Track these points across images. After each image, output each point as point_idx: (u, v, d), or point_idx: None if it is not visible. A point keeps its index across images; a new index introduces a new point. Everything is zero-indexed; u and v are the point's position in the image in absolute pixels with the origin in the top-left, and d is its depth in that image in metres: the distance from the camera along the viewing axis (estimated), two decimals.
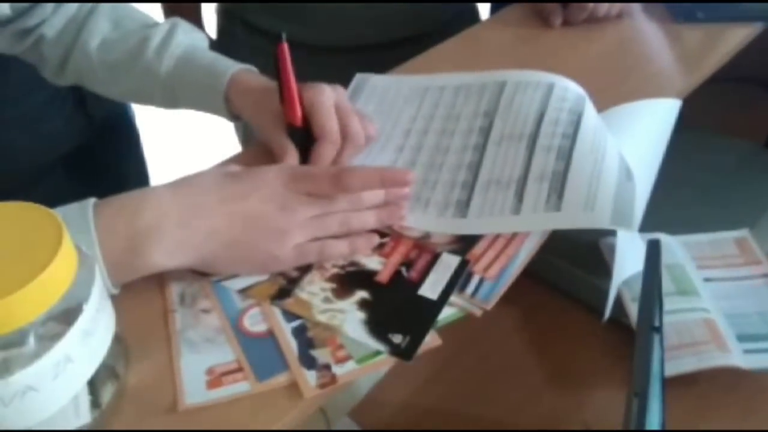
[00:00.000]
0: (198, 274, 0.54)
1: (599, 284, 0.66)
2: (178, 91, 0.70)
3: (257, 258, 0.54)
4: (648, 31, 0.89)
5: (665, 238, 0.74)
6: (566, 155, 0.60)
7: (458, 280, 0.54)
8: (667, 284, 0.69)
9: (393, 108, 0.72)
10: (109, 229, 0.48)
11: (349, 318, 0.51)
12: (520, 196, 0.58)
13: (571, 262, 0.72)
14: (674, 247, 0.74)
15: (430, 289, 0.54)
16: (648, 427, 0.41)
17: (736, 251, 0.75)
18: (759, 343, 0.65)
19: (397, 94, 0.74)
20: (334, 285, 0.54)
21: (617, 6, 0.88)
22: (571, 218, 0.55)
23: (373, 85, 0.75)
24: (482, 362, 0.68)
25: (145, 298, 0.53)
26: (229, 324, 0.51)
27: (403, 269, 0.56)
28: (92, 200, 0.50)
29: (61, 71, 0.75)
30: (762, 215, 0.81)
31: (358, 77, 0.77)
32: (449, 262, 0.56)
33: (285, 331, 0.50)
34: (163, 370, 0.48)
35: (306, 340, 0.49)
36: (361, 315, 0.52)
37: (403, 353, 0.49)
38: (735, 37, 0.86)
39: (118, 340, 0.44)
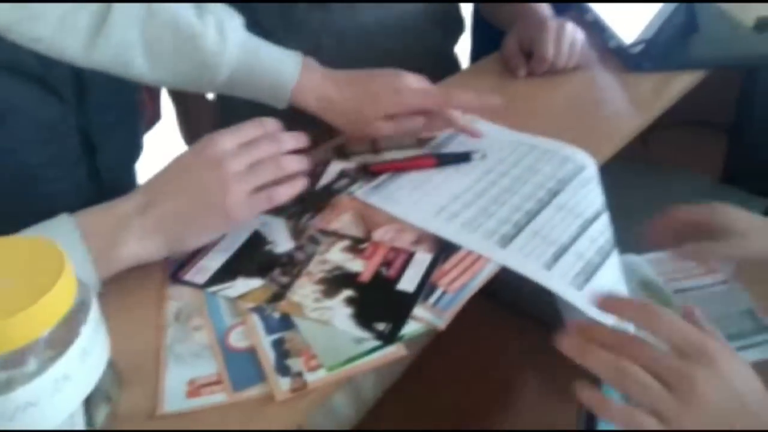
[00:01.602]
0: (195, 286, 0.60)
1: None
2: (240, 83, 0.73)
3: (213, 220, 0.60)
4: (603, 79, 0.96)
5: (635, 258, 0.78)
6: (605, 254, 0.64)
7: (432, 272, 0.60)
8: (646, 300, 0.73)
9: (492, 145, 0.78)
10: (88, 229, 0.55)
11: (337, 314, 0.56)
12: (556, 258, 0.62)
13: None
14: (644, 265, 0.79)
15: (407, 284, 0.59)
16: None
17: (694, 263, 0.80)
18: (747, 339, 0.70)
19: (493, 138, 0.80)
20: (322, 287, 0.59)
21: (574, 59, 0.95)
22: (586, 306, 0.58)
23: (479, 125, 0.82)
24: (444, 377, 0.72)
25: (143, 315, 0.57)
26: (216, 340, 0.54)
27: (383, 269, 0.61)
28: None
29: (96, 36, 0.66)
30: None
31: (468, 117, 0.83)
32: (423, 260, 0.62)
33: (264, 343, 0.54)
34: (149, 381, 0.51)
35: (283, 352, 0.53)
36: (348, 310, 0.56)
37: (387, 338, 0.53)
38: (680, 83, 0.93)
39: (111, 365, 0.47)
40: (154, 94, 1.20)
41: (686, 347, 0.45)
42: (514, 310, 0.79)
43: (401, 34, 1.03)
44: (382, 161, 0.76)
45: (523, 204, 0.69)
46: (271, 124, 0.65)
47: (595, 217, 0.67)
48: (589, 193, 0.70)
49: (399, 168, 0.75)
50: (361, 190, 0.72)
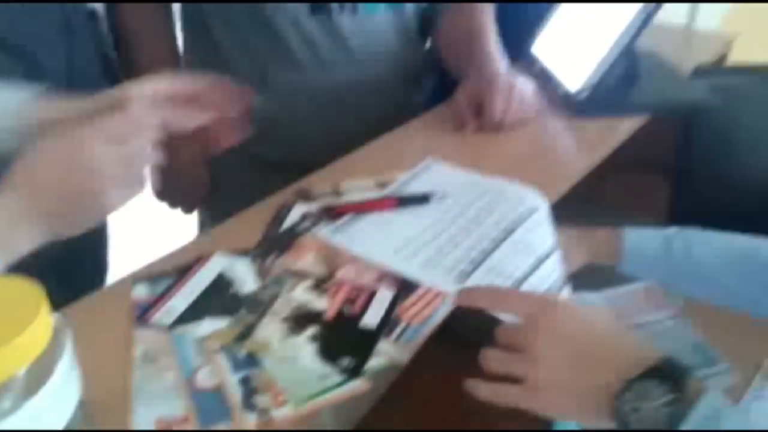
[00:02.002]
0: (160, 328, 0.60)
1: None
2: None
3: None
4: (551, 124, 1.01)
5: (590, 295, 0.82)
6: (558, 289, 0.68)
7: (394, 308, 0.63)
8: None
9: (450, 187, 0.81)
10: None
11: (302, 350, 0.58)
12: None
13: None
14: (598, 302, 0.83)
15: (370, 320, 0.62)
16: None
17: (644, 299, 0.84)
18: (698, 371, 0.73)
19: (451, 181, 0.83)
20: (287, 325, 0.61)
21: (523, 115, 0.97)
22: None
23: (437, 168, 0.85)
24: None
25: (112, 356, 0.58)
26: (184, 379, 0.56)
27: (346, 306, 0.63)
28: None
29: None
30: None
31: (428, 160, 0.86)
32: (385, 297, 0.64)
33: (232, 381, 0.55)
34: (118, 421, 0.52)
35: (250, 389, 0.55)
36: (312, 347, 0.59)
37: (351, 372, 0.56)
38: (623, 128, 0.99)
39: (82, 405, 0.48)
40: None
41: (528, 310, 0.49)
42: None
43: (373, 93, 1.06)
44: (346, 203, 0.79)
45: (479, 243, 0.72)
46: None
47: (548, 255, 0.71)
48: (542, 232, 0.74)
49: (361, 209, 0.78)
50: (325, 230, 0.75)
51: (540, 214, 0.77)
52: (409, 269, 0.68)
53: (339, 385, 0.55)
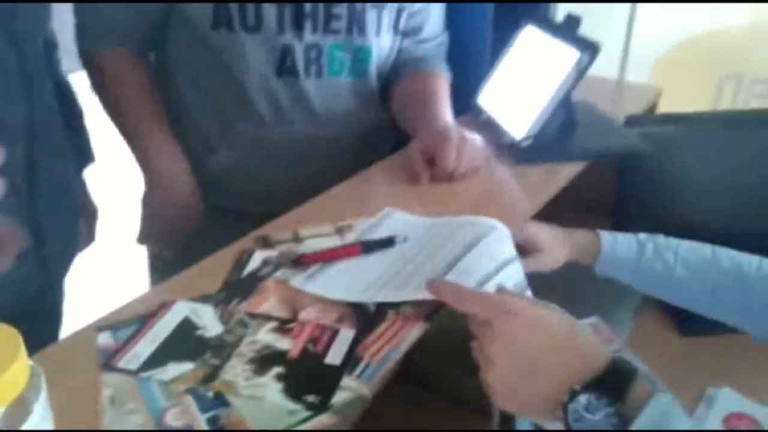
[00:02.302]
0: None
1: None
2: None
3: None
4: (498, 171, 1.07)
5: None
6: (521, 290, 0.72)
7: (356, 346, 0.65)
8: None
9: (411, 230, 0.84)
10: None
11: (269, 389, 0.60)
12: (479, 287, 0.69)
13: (459, 370, 0.82)
14: None
15: (333, 358, 0.64)
16: None
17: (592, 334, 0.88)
18: None
19: (410, 225, 0.86)
20: (252, 366, 0.63)
21: (474, 166, 1.02)
22: None
23: (396, 216, 0.89)
24: None
25: (81, 401, 0.58)
26: (153, 422, 0.56)
27: (310, 346, 0.65)
28: None
29: None
30: (604, 306, 0.98)
31: (386, 210, 0.90)
32: (346, 336, 0.67)
33: (200, 421, 0.56)
34: None
35: (219, 427, 0.56)
36: (279, 385, 0.60)
37: (317, 408, 0.58)
38: (565, 172, 1.06)
39: None
40: (90, 216, 1.23)
41: (485, 314, 0.53)
42: (456, 402, 0.84)
43: (333, 151, 1.11)
44: (313, 252, 0.81)
45: (443, 260, 0.75)
46: None
47: (510, 260, 0.75)
48: (504, 243, 0.78)
49: (328, 258, 0.80)
50: (297, 280, 0.76)
51: (501, 231, 0.80)
52: (382, 295, 0.71)
53: (306, 419, 0.56)
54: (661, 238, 0.85)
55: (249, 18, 0.95)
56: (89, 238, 1.25)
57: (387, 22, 1.08)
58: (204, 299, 0.73)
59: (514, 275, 0.73)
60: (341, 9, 1.01)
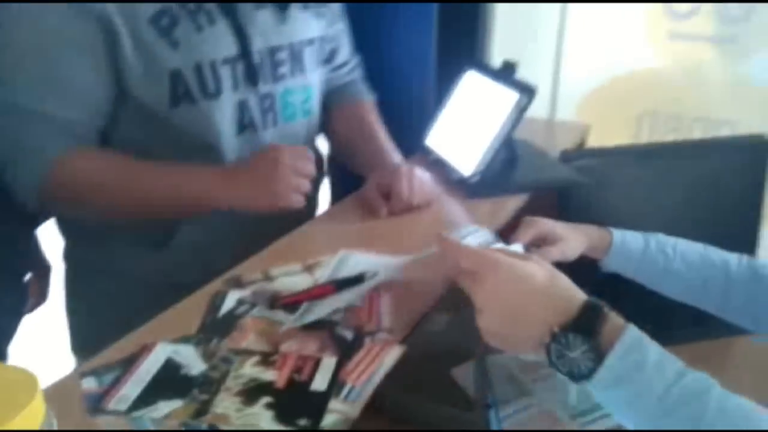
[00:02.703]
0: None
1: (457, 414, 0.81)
2: None
3: None
4: (449, 206, 1.13)
5: (501, 357, 0.91)
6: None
7: (339, 372, 0.69)
8: (508, 391, 0.86)
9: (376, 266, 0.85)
10: None
11: (261, 417, 0.62)
12: None
13: (430, 399, 0.86)
14: (508, 362, 0.91)
15: (319, 384, 0.67)
16: None
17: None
18: (595, 412, 0.84)
19: (378, 260, 0.87)
20: (241, 398, 0.65)
21: (426, 196, 1.09)
22: None
23: (356, 258, 0.90)
24: None
25: None
26: None
27: (295, 375, 0.69)
28: None
29: None
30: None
31: (342, 253, 0.90)
32: (329, 363, 0.71)
33: None
34: None
35: None
36: (270, 413, 0.63)
37: (309, 429, 0.61)
38: (510, 204, 1.13)
39: None
40: (42, 274, 1.22)
41: (474, 267, 0.60)
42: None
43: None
44: (288, 291, 0.84)
45: None
46: None
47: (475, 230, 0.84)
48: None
49: (304, 298, 0.83)
50: (291, 320, 0.79)
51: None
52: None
53: None
54: (660, 235, 0.95)
55: (209, 86, 0.96)
56: (41, 297, 1.24)
57: (317, 56, 1.13)
58: (184, 340, 0.75)
59: (481, 236, 0.81)
60: (284, 54, 1.06)
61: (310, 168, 0.97)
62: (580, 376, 0.55)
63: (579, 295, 0.58)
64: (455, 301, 0.87)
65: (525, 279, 0.58)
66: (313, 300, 0.81)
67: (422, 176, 1.10)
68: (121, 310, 0.82)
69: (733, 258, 0.91)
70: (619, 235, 0.95)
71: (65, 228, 1.15)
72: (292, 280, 0.88)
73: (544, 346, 0.56)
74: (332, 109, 1.22)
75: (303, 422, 0.62)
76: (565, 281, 0.59)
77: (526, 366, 0.93)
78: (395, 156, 1.18)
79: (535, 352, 0.57)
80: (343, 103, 1.23)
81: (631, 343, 0.54)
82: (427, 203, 1.10)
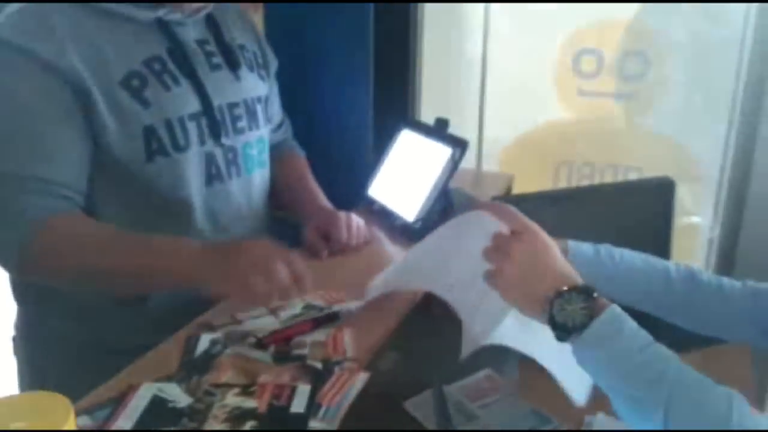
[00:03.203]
0: None
1: None
2: None
3: None
4: (394, 250, 1.25)
5: (448, 387, 1.01)
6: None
7: (315, 396, 0.78)
8: (456, 417, 0.95)
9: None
10: None
11: None
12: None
13: None
14: (453, 392, 1.01)
15: (297, 408, 0.77)
16: None
17: (487, 384, 1.05)
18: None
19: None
20: (229, 423, 0.74)
21: (361, 238, 1.23)
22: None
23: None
24: None
25: None
26: None
27: (274, 401, 0.77)
28: None
29: None
30: (495, 361, 1.15)
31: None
32: (304, 390, 0.80)
33: None
34: None
35: None
36: None
37: None
38: None
39: None
40: None
41: (519, 227, 0.78)
42: None
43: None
44: (269, 332, 0.93)
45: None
46: None
47: None
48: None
49: (287, 336, 0.92)
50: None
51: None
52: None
53: None
54: (607, 245, 1.06)
55: (179, 139, 1.05)
56: None
57: (265, 113, 1.24)
58: (166, 379, 0.82)
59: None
60: (240, 109, 1.16)
61: (284, 277, 0.90)
62: (573, 328, 0.69)
63: (577, 274, 0.75)
64: (404, 340, 0.99)
65: (550, 247, 0.76)
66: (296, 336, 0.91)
67: (357, 221, 1.23)
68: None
69: (672, 264, 1.04)
70: (573, 245, 1.05)
71: (21, 294, 1.15)
72: (259, 321, 0.96)
73: (549, 301, 0.70)
74: (272, 163, 1.32)
75: None
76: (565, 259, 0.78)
77: (472, 393, 1.03)
78: (328, 204, 1.30)
79: (538, 307, 0.71)
80: (282, 159, 1.34)
81: (614, 312, 0.69)
82: (362, 245, 1.22)
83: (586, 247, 1.08)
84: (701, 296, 1.03)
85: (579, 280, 0.73)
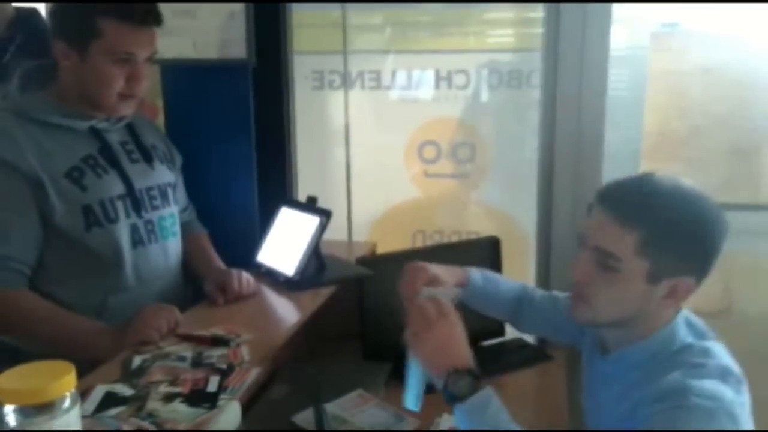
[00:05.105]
0: None
1: None
2: None
3: None
4: (278, 299, 1.61)
5: (330, 405, 1.35)
6: None
7: (222, 382, 1.13)
8: (332, 422, 1.31)
9: None
10: None
11: (178, 407, 1.06)
12: None
13: None
14: (332, 407, 1.37)
15: (212, 388, 1.12)
16: None
17: (359, 400, 1.43)
18: (399, 425, 1.31)
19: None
20: (164, 401, 1.08)
21: (251, 289, 1.58)
22: None
23: None
24: None
25: None
26: None
27: (194, 386, 1.12)
28: None
29: None
30: (364, 381, 1.59)
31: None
32: (214, 380, 1.15)
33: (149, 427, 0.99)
34: None
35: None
36: (183, 405, 1.07)
37: (211, 408, 1.06)
38: (322, 293, 1.63)
39: None
40: None
41: (427, 314, 1.01)
42: None
43: (179, 295, 1.60)
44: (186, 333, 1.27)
45: None
46: None
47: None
48: None
49: (197, 340, 1.26)
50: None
51: None
52: None
53: (205, 413, 1.02)
54: (487, 271, 1.37)
55: (110, 214, 1.43)
56: None
57: (174, 195, 1.62)
58: (114, 382, 1.14)
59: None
60: (155, 191, 1.54)
61: (164, 326, 1.33)
62: (459, 397, 0.95)
63: (469, 357, 1.00)
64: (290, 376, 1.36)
65: (460, 333, 1.01)
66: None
67: (247, 276, 1.59)
68: None
69: (538, 289, 1.39)
70: (472, 272, 1.33)
71: None
72: (175, 347, 1.30)
73: (447, 372, 0.96)
74: (182, 240, 1.70)
75: (206, 406, 1.04)
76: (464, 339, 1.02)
77: (347, 406, 1.40)
78: (224, 265, 1.68)
79: (439, 375, 0.97)
80: (188, 237, 1.71)
81: (488, 393, 0.97)
82: (251, 294, 1.59)
83: (476, 274, 1.36)
84: (540, 306, 1.36)
85: (471, 364, 0.98)
